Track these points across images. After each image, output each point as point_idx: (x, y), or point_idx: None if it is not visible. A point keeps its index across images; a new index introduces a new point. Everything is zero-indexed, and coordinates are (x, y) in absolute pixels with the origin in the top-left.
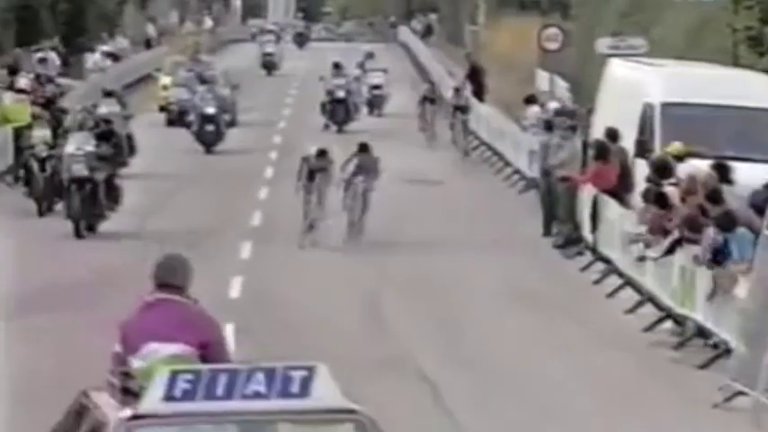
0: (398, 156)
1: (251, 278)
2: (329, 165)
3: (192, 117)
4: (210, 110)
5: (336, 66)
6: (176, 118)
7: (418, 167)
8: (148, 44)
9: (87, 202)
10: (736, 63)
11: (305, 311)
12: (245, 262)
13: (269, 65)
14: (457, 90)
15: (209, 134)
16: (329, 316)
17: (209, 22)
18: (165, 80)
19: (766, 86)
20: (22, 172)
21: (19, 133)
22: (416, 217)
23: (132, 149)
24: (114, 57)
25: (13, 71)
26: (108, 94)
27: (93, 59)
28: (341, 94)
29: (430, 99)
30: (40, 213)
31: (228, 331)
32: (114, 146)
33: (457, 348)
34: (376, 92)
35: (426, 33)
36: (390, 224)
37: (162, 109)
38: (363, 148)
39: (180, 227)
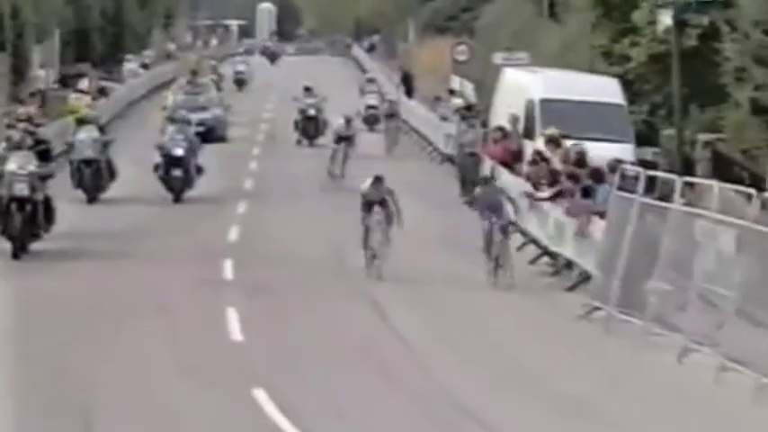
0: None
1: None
2: (387, 194)
3: (158, 159)
4: (179, 151)
5: (307, 89)
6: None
7: (367, 151)
8: (168, 57)
9: (27, 222)
10: (592, 70)
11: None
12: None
13: (239, 82)
14: (390, 102)
15: (176, 180)
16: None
17: (214, 42)
18: (168, 101)
19: (614, 87)
20: None
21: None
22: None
23: (112, 174)
24: (145, 66)
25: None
26: (83, 121)
27: (128, 68)
28: (312, 112)
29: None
30: None
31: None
32: (77, 169)
33: (400, 279)
34: (372, 111)
35: (370, 49)
36: (349, 188)
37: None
38: (378, 180)
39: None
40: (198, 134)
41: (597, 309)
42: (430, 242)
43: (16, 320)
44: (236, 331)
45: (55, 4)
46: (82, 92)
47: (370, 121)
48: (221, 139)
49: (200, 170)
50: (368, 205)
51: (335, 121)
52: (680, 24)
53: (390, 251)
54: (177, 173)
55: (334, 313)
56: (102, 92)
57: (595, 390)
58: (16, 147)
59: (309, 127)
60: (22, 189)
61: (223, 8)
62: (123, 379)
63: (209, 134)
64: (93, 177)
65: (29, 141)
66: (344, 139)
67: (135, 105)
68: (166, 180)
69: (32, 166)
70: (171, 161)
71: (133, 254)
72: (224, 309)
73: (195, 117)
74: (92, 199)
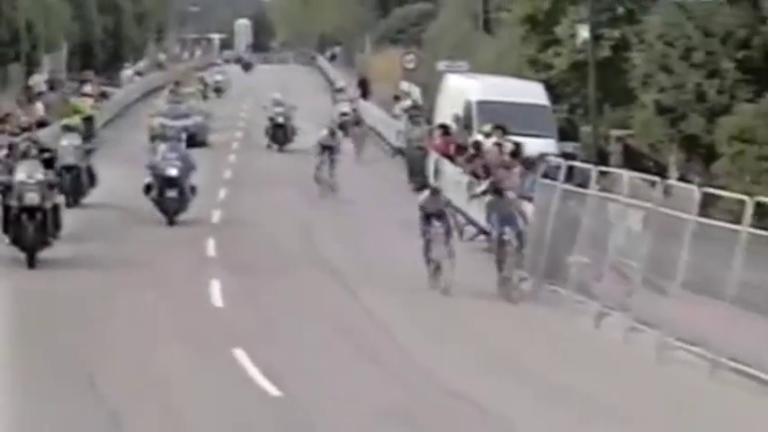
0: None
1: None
2: (444, 206)
3: (150, 179)
4: (173, 171)
5: (277, 100)
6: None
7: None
8: (159, 66)
9: (38, 230)
10: (521, 76)
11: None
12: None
13: (218, 90)
14: (354, 110)
15: (171, 201)
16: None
17: (198, 53)
18: (158, 107)
19: (540, 90)
20: None
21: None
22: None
23: (93, 181)
24: (139, 74)
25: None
26: (69, 128)
27: (125, 75)
28: (280, 120)
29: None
30: None
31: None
32: (58, 174)
33: (356, 253)
34: (344, 117)
35: (332, 59)
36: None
37: (152, 138)
38: (434, 192)
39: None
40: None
41: (525, 279)
42: (386, 219)
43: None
44: (217, 300)
45: (63, 20)
46: (87, 95)
47: (344, 127)
48: (202, 143)
49: (194, 190)
50: (427, 217)
51: (320, 132)
52: (595, 37)
53: (455, 263)
54: (172, 194)
55: (305, 286)
56: (104, 95)
57: (522, 346)
58: (22, 155)
59: (278, 133)
60: (32, 198)
61: (207, 23)
62: (120, 342)
63: (191, 140)
64: (74, 183)
65: (34, 150)
66: (328, 148)
67: (131, 107)
68: (159, 202)
69: (41, 174)
70: (164, 182)
71: (126, 238)
72: (208, 281)
73: (178, 124)
74: (72, 202)
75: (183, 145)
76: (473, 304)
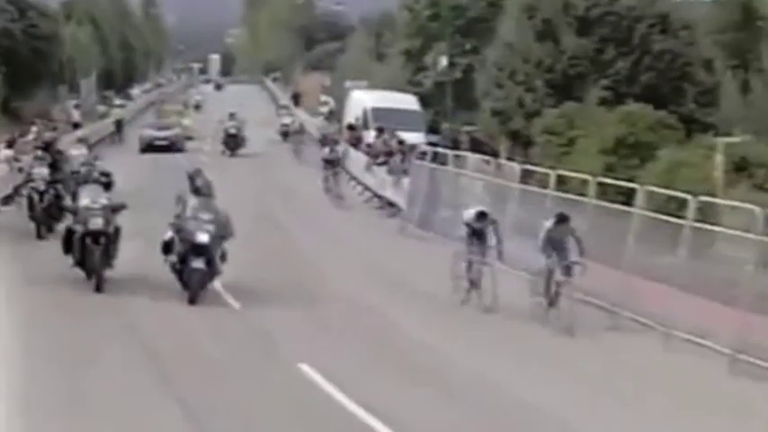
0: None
1: None
2: (492, 225)
3: (171, 236)
4: (203, 238)
5: (231, 115)
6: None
7: (281, 156)
8: (158, 86)
9: (103, 254)
10: (402, 90)
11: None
12: None
13: (197, 106)
14: (295, 122)
15: (196, 273)
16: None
17: (183, 77)
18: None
19: (413, 100)
20: (23, 200)
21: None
22: (278, 163)
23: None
24: (146, 92)
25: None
26: (80, 140)
27: (135, 93)
28: (233, 131)
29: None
30: (39, 236)
31: None
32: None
33: (297, 215)
34: (285, 128)
35: (274, 80)
36: (260, 165)
37: (142, 149)
38: (482, 214)
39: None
40: (162, 146)
41: (406, 228)
42: (315, 199)
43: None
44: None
45: (93, 55)
46: (116, 106)
47: (285, 135)
48: (180, 150)
49: (224, 256)
50: (472, 234)
51: (322, 150)
52: (451, 64)
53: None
54: (198, 264)
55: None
56: (121, 107)
57: (391, 260)
58: (84, 180)
59: (231, 142)
60: (97, 223)
61: (189, 56)
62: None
63: (172, 147)
64: (104, 254)
65: (95, 174)
66: (329, 162)
67: (138, 114)
68: (181, 271)
69: (104, 199)
70: (191, 249)
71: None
72: None
73: (161, 134)
74: (98, 284)
75: (217, 204)
76: (372, 241)
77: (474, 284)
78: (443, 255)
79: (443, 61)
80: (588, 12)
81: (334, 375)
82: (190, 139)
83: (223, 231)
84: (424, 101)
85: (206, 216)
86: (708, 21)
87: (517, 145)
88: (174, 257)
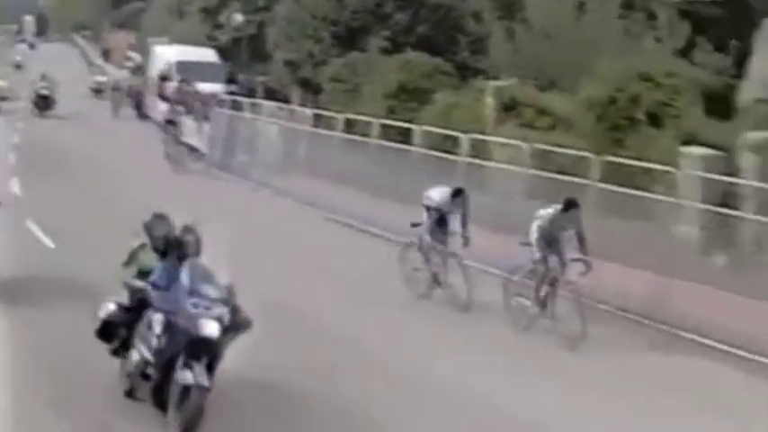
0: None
1: None
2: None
3: (152, 337)
4: (212, 330)
5: (43, 76)
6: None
7: (99, 113)
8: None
9: None
10: (202, 45)
11: None
12: None
13: (18, 66)
14: (110, 79)
15: (196, 394)
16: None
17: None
18: None
19: (212, 53)
20: None
21: None
22: (95, 119)
23: None
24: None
25: None
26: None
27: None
28: (44, 92)
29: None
30: None
31: None
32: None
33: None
34: (97, 85)
35: (83, 37)
36: (75, 123)
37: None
38: (458, 191)
39: None
40: None
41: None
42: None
43: None
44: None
45: None
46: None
47: (98, 92)
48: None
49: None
50: (439, 220)
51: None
52: (246, 21)
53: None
54: (199, 375)
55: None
56: None
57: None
58: None
59: (41, 103)
60: None
61: (8, 16)
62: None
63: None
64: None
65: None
66: (171, 123)
67: None
68: (162, 385)
69: None
70: (190, 346)
71: None
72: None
73: None
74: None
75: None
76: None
77: (437, 279)
78: (243, 192)
79: (239, 18)
80: None
81: None
82: (4, 99)
83: (238, 319)
84: (223, 54)
85: (212, 292)
86: None
87: (308, 92)
88: (139, 356)
